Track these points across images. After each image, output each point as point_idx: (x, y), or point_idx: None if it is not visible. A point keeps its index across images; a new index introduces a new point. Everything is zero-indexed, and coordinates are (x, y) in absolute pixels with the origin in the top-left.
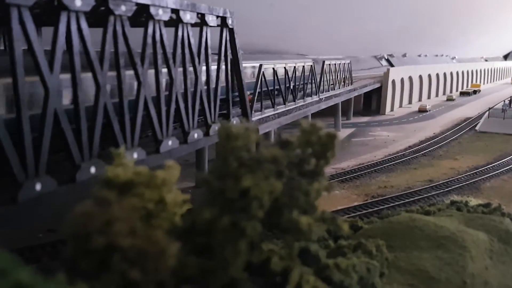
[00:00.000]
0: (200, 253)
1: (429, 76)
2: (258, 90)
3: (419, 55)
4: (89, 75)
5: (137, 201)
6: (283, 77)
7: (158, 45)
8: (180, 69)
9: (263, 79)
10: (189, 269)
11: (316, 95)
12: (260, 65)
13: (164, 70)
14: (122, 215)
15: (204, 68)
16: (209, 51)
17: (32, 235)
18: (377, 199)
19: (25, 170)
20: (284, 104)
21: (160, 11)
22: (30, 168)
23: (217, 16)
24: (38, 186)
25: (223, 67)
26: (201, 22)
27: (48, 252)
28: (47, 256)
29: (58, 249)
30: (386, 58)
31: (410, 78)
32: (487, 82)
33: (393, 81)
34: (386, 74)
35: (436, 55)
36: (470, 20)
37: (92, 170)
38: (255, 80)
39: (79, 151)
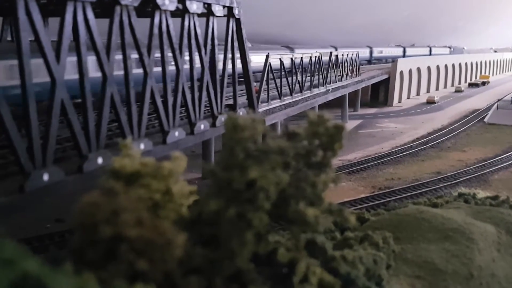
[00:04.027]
0: (206, 243)
1: (438, 67)
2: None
3: (428, 46)
4: None
5: (143, 192)
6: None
7: (165, 35)
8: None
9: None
10: (196, 260)
11: (323, 86)
12: (267, 55)
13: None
14: (129, 205)
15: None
16: (216, 41)
17: (40, 225)
18: (384, 191)
19: (32, 161)
20: (291, 95)
21: (167, 1)
22: (37, 158)
23: (224, 6)
24: (45, 176)
25: (229, 57)
26: (208, 12)
27: (56, 242)
28: (55, 246)
29: (66, 238)
30: None
31: (418, 69)
32: (496, 73)
33: (401, 72)
34: (394, 65)
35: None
36: (479, 11)
37: (99, 160)
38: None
39: (86, 142)
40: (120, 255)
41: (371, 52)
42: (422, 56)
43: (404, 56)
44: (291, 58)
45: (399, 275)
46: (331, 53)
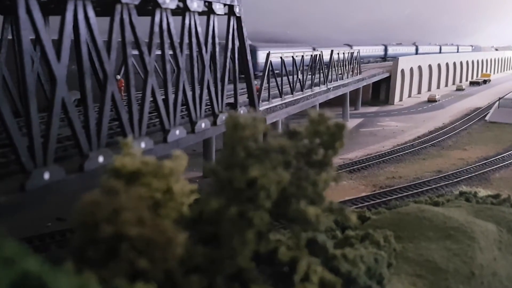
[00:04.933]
0: (207, 242)
1: (439, 65)
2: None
3: (429, 44)
4: None
5: (144, 190)
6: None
7: (165, 33)
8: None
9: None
10: (197, 258)
11: (324, 84)
12: (268, 53)
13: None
14: (130, 204)
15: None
16: (216, 40)
17: (41, 224)
18: (385, 189)
19: (33, 159)
20: (292, 93)
21: (167, 0)
22: (38, 157)
23: (225, 4)
24: (46, 175)
25: (229, 56)
26: (208, 11)
27: (57, 241)
28: (55, 245)
29: (67, 237)
30: None
31: (420, 68)
32: (498, 72)
33: (402, 71)
34: (395, 63)
35: (446, 44)
36: (480, 9)
37: (100, 159)
38: None
39: (87, 141)
40: (121, 254)
41: (440, 50)
42: (452, 53)
43: (440, 52)
44: (292, 56)
45: (400, 274)
46: (332, 51)
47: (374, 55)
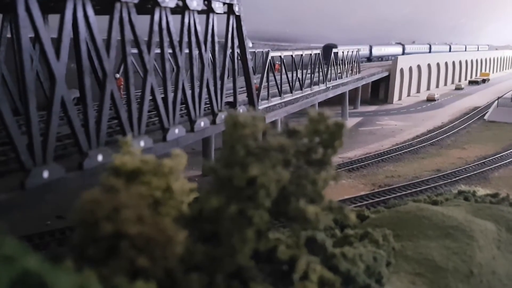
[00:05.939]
0: (207, 240)
1: (438, 64)
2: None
3: (428, 43)
4: None
5: (144, 189)
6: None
7: (165, 32)
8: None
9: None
10: (197, 257)
11: (324, 83)
12: (268, 52)
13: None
14: (130, 202)
15: (210, 55)
16: (216, 38)
17: (40, 222)
18: (384, 188)
19: (32, 157)
20: (291, 92)
21: None
22: (37, 155)
23: (224, 3)
24: (45, 173)
25: (229, 55)
26: (208, 9)
27: (57, 239)
28: (55, 243)
29: (67, 235)
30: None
31: (419, 67)
32: (497, 71)
33: (401, 70)
34: (394, 62)
35: (445, 43)
36: (480, 8)
37: (99, 157)
38: None
39: (86, 139)
40: (121, 252)
41: (466, 48)
42: (473, 52)
43: (465, 51)
44: (291, 56)
45: (400, 272)
46: (331, 50)
47: (420, 51)
